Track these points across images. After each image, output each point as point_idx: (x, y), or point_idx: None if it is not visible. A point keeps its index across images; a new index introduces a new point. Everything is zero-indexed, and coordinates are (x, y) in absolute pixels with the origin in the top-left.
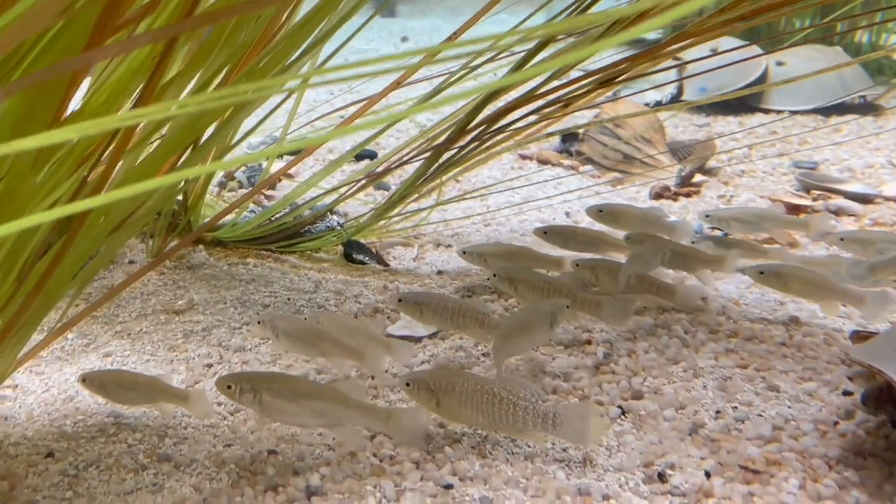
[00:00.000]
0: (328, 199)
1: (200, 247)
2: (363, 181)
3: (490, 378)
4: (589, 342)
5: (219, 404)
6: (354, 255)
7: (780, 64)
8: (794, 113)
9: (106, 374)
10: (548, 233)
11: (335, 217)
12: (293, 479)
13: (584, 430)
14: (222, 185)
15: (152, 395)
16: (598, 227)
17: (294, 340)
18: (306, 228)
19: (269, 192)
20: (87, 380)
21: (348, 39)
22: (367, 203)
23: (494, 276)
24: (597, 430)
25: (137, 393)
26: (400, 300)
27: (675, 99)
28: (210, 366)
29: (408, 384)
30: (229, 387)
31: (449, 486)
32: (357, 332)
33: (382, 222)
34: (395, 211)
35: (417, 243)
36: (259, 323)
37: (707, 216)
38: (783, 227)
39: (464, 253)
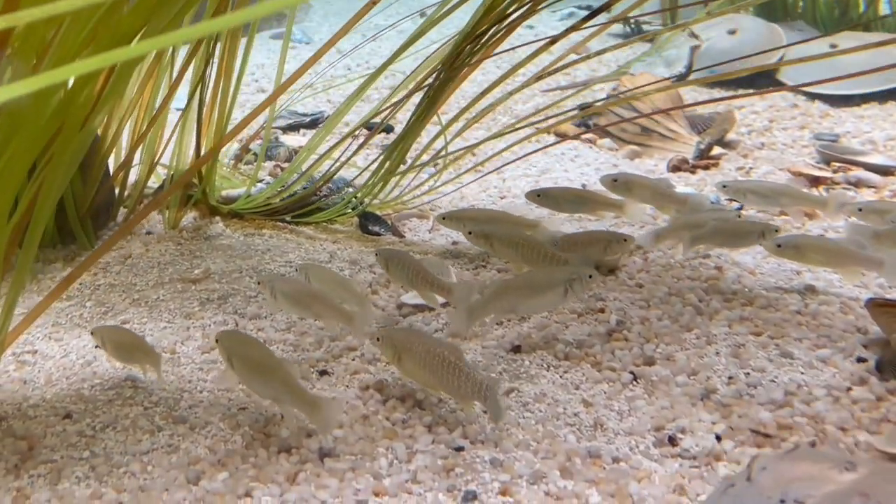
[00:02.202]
0: (344, 170)
1: (217, 218)
2: (365, 137)
3: (446, 343)
4: (602, 310)
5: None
6: (370, 227)
7: (833, 46)
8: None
9: (107, 331)
10: (541, 196)
11: (350, 189)
12: (306, 441)
13: (499, 407)
14: (238, 158)
15: (137, 357)
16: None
17: (291, 301)
18: (320, 197)
19: (286, 165)
20: (95, 332)
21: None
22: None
23: (470, 233)
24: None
25: (126, 352)
26: (376, 254)
27: (685, 76)
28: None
29: (378, 339)
30: (217, 340)
31: (460, 449)
32: (343, 286)
33: (397, 192)
34: (410, 177)
35: (433, 215)
36: (259, 283)
37: (724, 186)
38: (800, 204)
39: (443, 218)
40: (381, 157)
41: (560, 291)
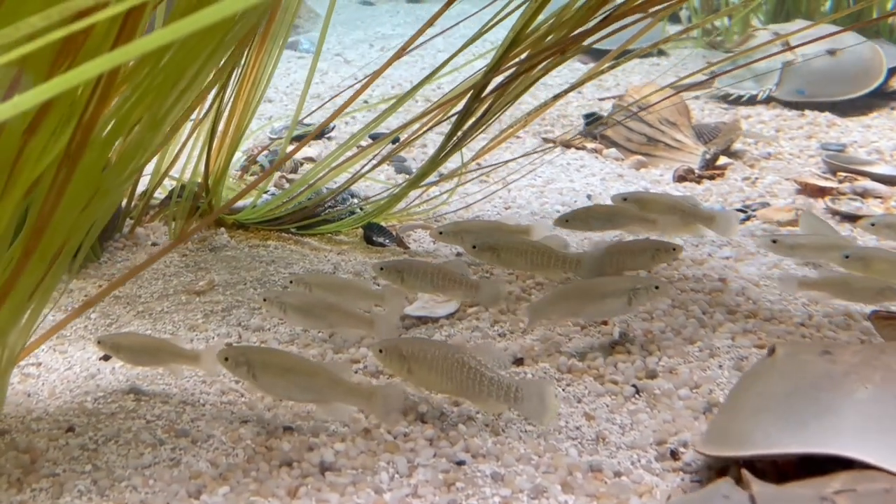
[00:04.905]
0: (351, 181)
1: (222, 229)
2: (376, 152)
3: (460, 346)
4: (605, 322)
5: (236, 382)
6: (374, 238)
7: None
8: None
9: (120, 336)
10: (569, 221)
11: (356, 200)
12: (308, 455)
13: (543, 408)
14: (245, 169)
15: (163, 358)
16: None
17: (304, 315)
18: (326, 209)
19: (291, 176)
20: (102, 342)
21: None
22: (387, 183)
23: (474, 247)
24: (553, 410)
25: (149, 355)
26: (381, 268)
27: (770, 95)
28: (229, 345)
29: (380, 351)
30: (226, 359)
31: (461, 463)
32: (347, 288)
33: (403, 204)
34: (418, 189)
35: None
36: (265, 300)
37: (774, 242)
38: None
39: (440, 234)
40: (404, 186)
41: (624, 300)
